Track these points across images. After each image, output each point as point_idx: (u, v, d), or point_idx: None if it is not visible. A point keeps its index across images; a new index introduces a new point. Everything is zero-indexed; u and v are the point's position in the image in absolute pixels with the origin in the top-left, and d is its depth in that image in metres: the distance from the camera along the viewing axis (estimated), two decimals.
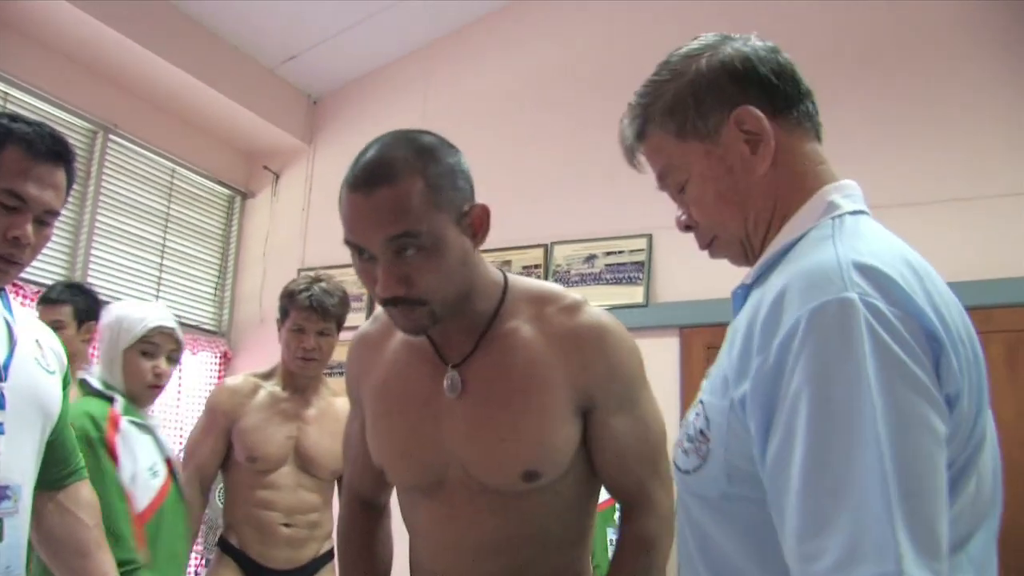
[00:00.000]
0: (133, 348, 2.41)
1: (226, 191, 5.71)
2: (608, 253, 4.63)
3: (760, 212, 1.14)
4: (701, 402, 1.09)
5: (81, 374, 2.43)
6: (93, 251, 4.69)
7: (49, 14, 4.22)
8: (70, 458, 1.82)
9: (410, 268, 1.36)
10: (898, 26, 4.23)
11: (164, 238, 5.22)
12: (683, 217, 1.21)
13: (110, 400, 2.34)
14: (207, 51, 4.95)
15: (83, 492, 1.85)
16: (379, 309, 1.61)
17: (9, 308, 1.69)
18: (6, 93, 4.27)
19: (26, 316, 1.76)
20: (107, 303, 2.68)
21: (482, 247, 1.49)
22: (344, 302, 2.97)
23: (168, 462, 2.44)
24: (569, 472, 1.52)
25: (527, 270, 4.69)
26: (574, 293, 1.58)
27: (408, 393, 1.58)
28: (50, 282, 4.43)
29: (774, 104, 1.14)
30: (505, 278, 1.58)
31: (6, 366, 1.59)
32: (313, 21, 5.06)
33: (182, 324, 5.12)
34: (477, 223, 1.44)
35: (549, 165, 4.84)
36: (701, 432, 1.06)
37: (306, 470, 2.92)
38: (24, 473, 1.62)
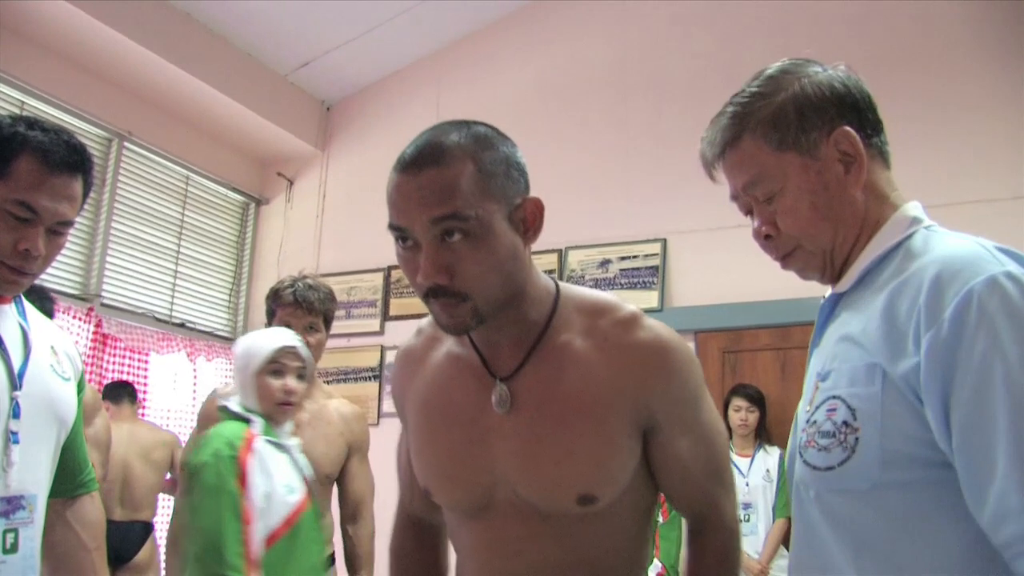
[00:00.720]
0: (262, 371, 2.45)
1: (240, 198, 5.72)
2: (622, 258, 4.62)
3: (849, 228, 1.20)
4: (836, 397, 1.10)
5: (221, 400, 2.48)
6: (108, 258, 4.70)
7: (65, 24, 4.24)
8: (82, 468, 1.81)
9: (454, 256, 1.27)
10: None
11: (179, 245, 5.24)
12: (763, 227, 1.25)
13: (247, 422, 2.40)
14: (221, 59, 4.97)
15: (89, 509, 1.83)
16: (423, 322, 1.57)
17: (24, 315, 1.68)
18: (22, 102, 4.29)
19: (41, 322, 1.75)
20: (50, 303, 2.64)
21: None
22: (330, 298, 2.88)
23: (306, 480, 2.46)
24: (626, 495, 1.43)
25: None
26: (628, 304, 1.47)
27: (453, 408, 1.48)
28: (66, 289, 4.46)
29: (864, 129, 1.21)
30: (557, 286, 1.49)
31: (21, 374, 1.58)
32: (326, 28, 5.07)
33: (196, 330, 5.22)
34: (530, 218, 1.35)
35: (563, 169, 4.83)
36: (845, 423, 1.08)
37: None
38: (39, 483, 1.61)
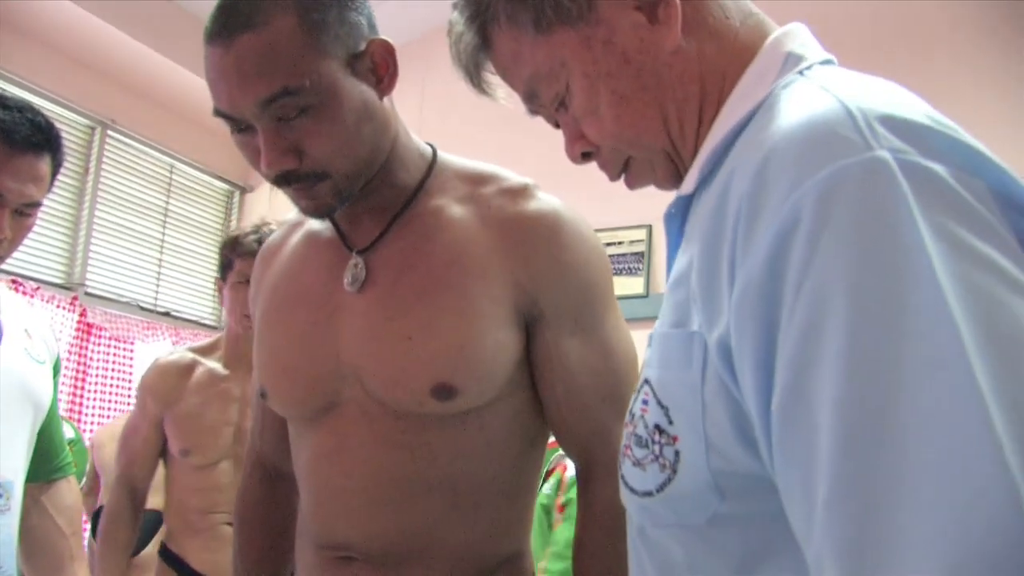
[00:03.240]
0: None
1: (224, 185, 5.70)
2: (608, 244, 4.60)
3: (684, 102, 0.78)
4: (647, 382, 0.73)
5: None
6: (92, 247, 4.68)
7: (47, 11, 4.20)
8: (57, 452, 1.79)
9: (297, 134, 1.06)
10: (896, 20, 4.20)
11: (163, 233, 5.21)
12: (572, 145, 0.85)
13: None
14: (202, 44, 4.92)
15: (66, 493, 1.81)
16: (290, 214, 1.34)
17: None
18: (3, 90, 4.25)
19: (16, 304, 1.73)
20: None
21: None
22: None
23: None
24: (501, 402, 1.17)
25: None
26: (523, 177, 1.23)
27: (301, 291, 1.25)
28: (50, 278, 4.43)
29: None
30: (435, 150, 1.27)
31: None
32: None
33: (181, 319, 5.18)
34: (381, 64, 1.12)
35: (547, 155, 4.80)
36: (658, 428, 0.69)
37: None
38: (15, 469, 1.60)
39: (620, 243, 4.54)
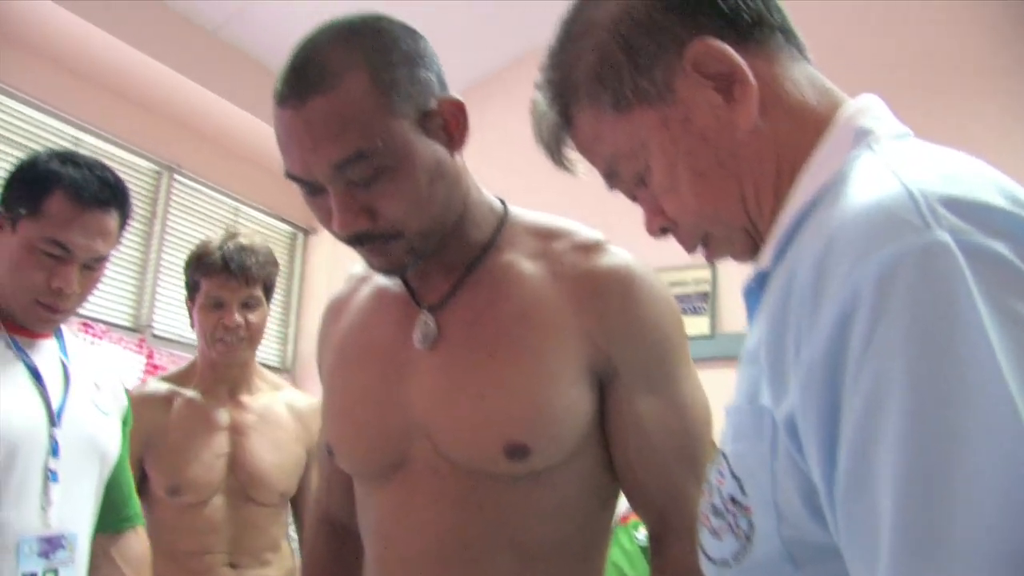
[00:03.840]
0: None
1: (288, 228, 5.75)
2: (672, 284, 4.54)
3: (760, 179, 0.79)
4: (724, 456, 0.76)
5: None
6: (159, 289, 4.74)
7: (116, 59, 4.30)
8: (126, 503, 1.80)
9: (371, 195, 1.05)
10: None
11: None
12: (652, 220, 0.88)
13: None
14: (265, 89, 4.98)
15: (134, 544, 1.81)
16: (355, 267, 1.34)
17: (64, 349, 1.68)
18: (77, 138, 4.35)
19: (85, 355, 1.75)
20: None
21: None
22: (270, 260, 2.25)
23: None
24: (574, 461, 1.14)
25: None
26: (595, 231, 1.22)
27: (370, 347, 1.23)
28: (118, 321, 4.49)
29: (737, 27, 0.80)
30: (505, 205, 1.25)
31: (60, 411, 1.58)
32: None
33: None
34: (452, 122, 1.11)
35: (610, 194, 4.78)
36: (733, 500, 0.72)
37: (249, 496, 2.19)
38: (80, 522, 1.60)
39: (685, 283, 4.48)
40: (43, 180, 1.53)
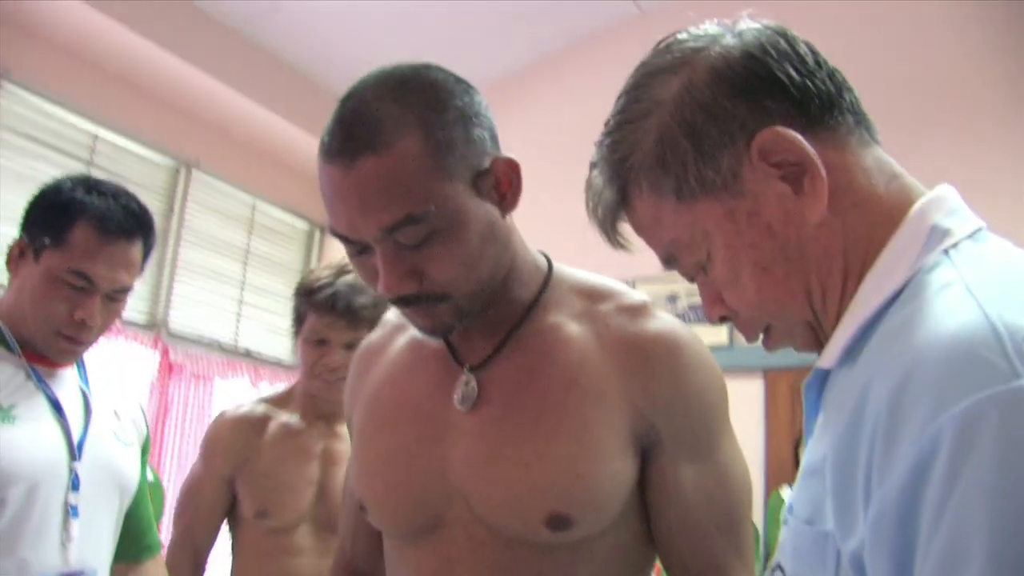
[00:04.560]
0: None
1: (305, 224, 5.73)
2: (691, 293, 4.51)
3: (827, 275, 0.76)
4: (780, 569, 0.75)
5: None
6: (175, 287, 4.73)
7: (138, 58, 4.28)
8: (145, 533, 1.77)
9: (419, 258, 1.01)
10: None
11: (244, 273, 5.25)
12: (710, 310, 0.84)
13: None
14: (284, 85, 4.98)
15: (153, 573, 1.79)
16: (389, 313, 1.31)
17: (85, 379, 1.66)
18: (95, 134, 4.33)
19: (105, 385, 1.72)
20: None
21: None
22: (381, 302, 1.98)
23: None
24: (613, 530, 1.11)
25: None
26: (640, 293, 1.19)
27: (407, 403, 1.19)
28: (134, 318, 4.48)
29: (807, 114, 0.76)
30: (550, 263, 1.22)
31: (80, 444, 1.55)
32: (387, 57, 5.05)
33: (261, 358, 5.20)
34: (504, 182, 1.07)
35: None
36: None
37: (334, 527, 2.06)
38: (100, 557, 1.58)
39: None
40: (67, 209, 1.50)
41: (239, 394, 5.07)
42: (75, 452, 1.53)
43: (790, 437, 4.17)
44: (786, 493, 4.20)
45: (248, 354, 5.20)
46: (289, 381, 5.28)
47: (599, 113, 0.87)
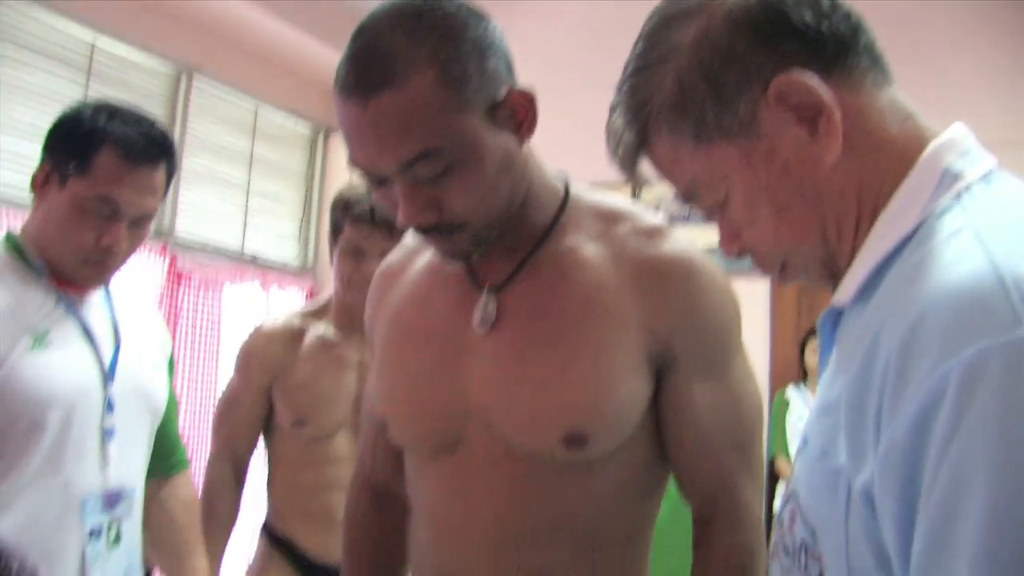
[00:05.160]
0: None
1: (308, 128, 5.68)
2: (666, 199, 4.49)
3: (842, 215, 0.79)
4: (795, 498, 0.78)
5: None
6: (181, 195, 4.72)
7: None
8: (174, 449, 1.83)
9: (438, 190, 1.04)
10: None
11: (249, 177, 5.23)
12: (727, 246, 0.87)
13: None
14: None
15: (182, 487, 1.85)
16: (408, 236, 1.33)
17: (111, 305, 1.68)
18: (93, 44, 4.26)
19: (130, 307, 1.75)
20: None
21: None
22: None
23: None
24: (627, 448, 1.15)
25: None
26: (656, 216, 1.21)
27: (427, 324, 1.23)
28: None
29: (823, 57, 0.77)
30: (567, 186, 1.23)
31: (112, 367, 1.59)
32: None
33: (268, 263, 5.23)
34: (521, 112, 1.08)
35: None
36: (804, 546, 0.74)
37: None
38: (136, 475, 1.64)
39: None
40: (91, 136, 1.50)
41: (248, 301, 5.12)
42: (108, 376, 1.57)
43: (795, 338, 4.23)
44: (791, 393, 4.28)
45: (255, 260, 5.22)
46: (299, 286, 5.35)
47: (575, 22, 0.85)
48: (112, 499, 1.55)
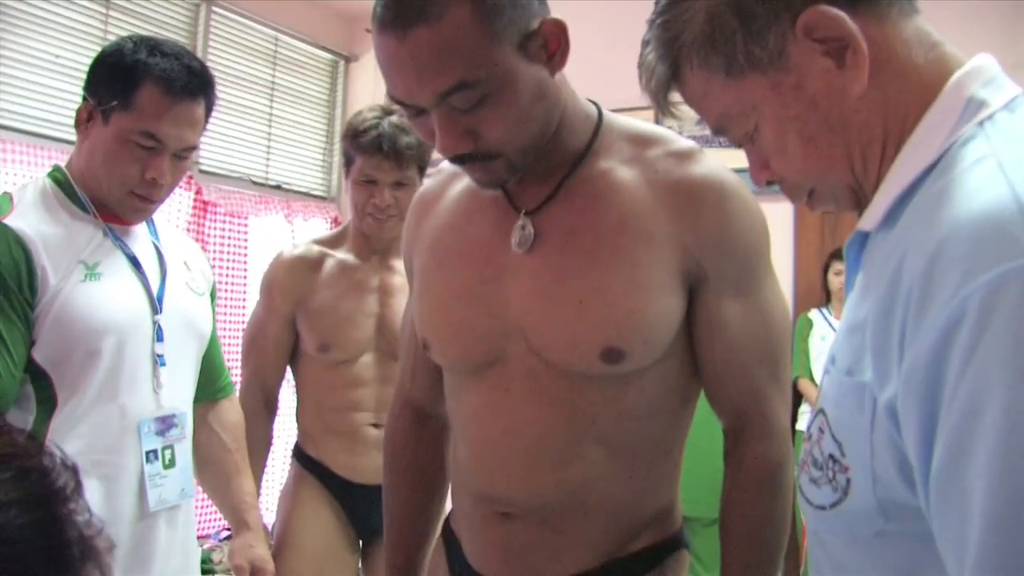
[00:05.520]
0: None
1: (329, 56, 5.67)
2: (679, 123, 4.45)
3: (868, 143, 0.81)
4: (823, 413, 0.82)
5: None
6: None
7: None
8: (219, 374, 1.88)
9: (473, 120, 1.09)
10: None
11: (271, 107, 5.23)
12: (758, 174, 0.90)
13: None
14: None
15: (228, 411, 1.91)
16: (444, 163, 1.32)
17: (156, 235, 1.73)
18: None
19: (173, 237, 1.79)
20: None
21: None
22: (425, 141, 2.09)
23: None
24: (661, 363, 1.20)
25: None
26: (687, 140, 1.24)
27: (466, 246, 1.27)
28: None
29: None
30: (600, 112, 1.27)
31: (160, 297, 1.64)
32: None
33: (292, 192, 5.26)
34: (553, 43, 1.11)
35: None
36: (832, 458, 0.79)
37: (395, 355, 2.05)
38: (186, 400, 1.70)
39: None
40: (132, 72, 1.53)
41: (274, 231, 5.17)
42: (156, 305, 1.62)
43: (819, 261, 4.24)
44: (814, 315, 4.31)
45: (280, 188, 5.26)
46: (323, 215, 5.38)
47: None
48: (165, 424, 1.61)
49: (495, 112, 1.08)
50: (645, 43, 0.91)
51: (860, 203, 0.86)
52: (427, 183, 1.43)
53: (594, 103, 1.28)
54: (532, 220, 1.22)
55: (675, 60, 0.87)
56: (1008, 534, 0.60)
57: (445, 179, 1.38)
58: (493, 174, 1.17)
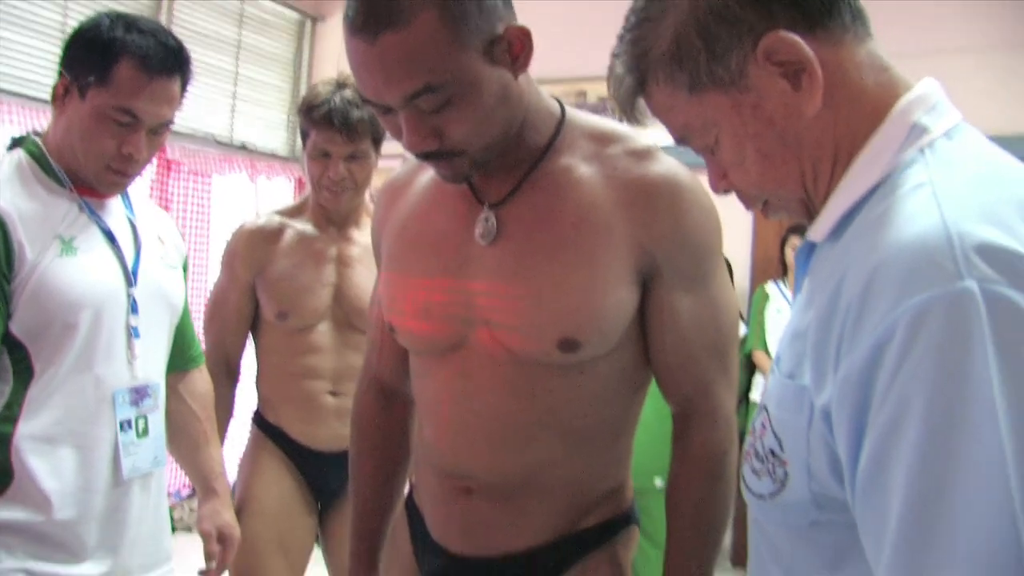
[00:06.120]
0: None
1: (296, 16, 5.64)
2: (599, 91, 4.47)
3: (819, 160, 0.88)
4: (767, 412, 0.89)
5: None
6: None
7: None
8: (190, 345, 1.92)
9: (439, 120, 1.14)
10: None
11: (236, 67, 5.21)
12: (716, 183, 0.96)
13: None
14: None
15: (198, 381, 1.96)
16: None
17: (130, 207, 1.75)
18: None
19: (147, 211, 1.82)
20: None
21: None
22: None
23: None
24: (615, 352, 1.27)
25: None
26: (647, 138, 1.29)
27: (432, 236, 1.33)
28: None
29: (808, 15, 0.85)
30: (563, 109, 1.32)
31: (135, 270, 1.67)
32: None
33: (256, 152, 5.25)
34: (517, 47, 1.16)
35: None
36: (772, 453, 0.86)
37: (352, 324, 2.31)
38: (159, 371, 1.74)
39: None
40: (109, 48, 1.54)
41: (237, 190, 5.16)
42: (131, 279, 1.66)
43: (777, 234, 4.31)
44: (770, 288, 4.40)
45: (244, 147, 5.24)
46: (287, 175, 5.38)
47: None
48: (139, 394, 1.65)
49: (460, 114, 1.14)
50: (615, 55, 0.97)
51: (810, 214, 0.92)
52: (396, 171, 1.48)
53: (558, 100, 1.34)
54: (495, 213, 1.28)
55: (642, 74, 0.93)
56: (919, 526, 0.69)
57: (413, 168, 1.43)
58: (457, 170, 1.22)
